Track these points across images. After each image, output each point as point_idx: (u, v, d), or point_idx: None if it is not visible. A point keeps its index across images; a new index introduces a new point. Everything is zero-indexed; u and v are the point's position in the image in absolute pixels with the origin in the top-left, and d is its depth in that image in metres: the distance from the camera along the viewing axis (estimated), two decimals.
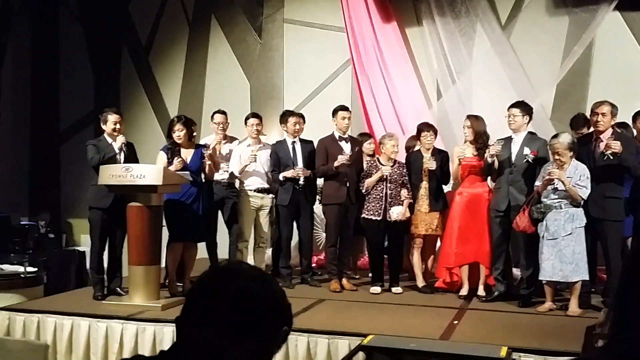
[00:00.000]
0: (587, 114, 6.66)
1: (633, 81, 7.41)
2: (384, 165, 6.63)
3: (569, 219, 5.56)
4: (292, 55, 8.98)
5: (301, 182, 6.76)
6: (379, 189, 6.62)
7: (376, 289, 6.61)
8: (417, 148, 6.86)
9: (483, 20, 8.03)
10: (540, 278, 5.71)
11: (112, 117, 6.38)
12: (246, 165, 6.90)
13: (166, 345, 5.20)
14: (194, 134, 6.82)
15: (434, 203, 6.65)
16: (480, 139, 6.38)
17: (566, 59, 7.77)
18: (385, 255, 6.84)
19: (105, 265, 6.49)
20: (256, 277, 1.43)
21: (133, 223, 5.98)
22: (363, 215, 6.70)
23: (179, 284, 6.46)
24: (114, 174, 5.89)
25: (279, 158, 6.88)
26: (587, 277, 5.59)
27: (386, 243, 6.79)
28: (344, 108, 6.89)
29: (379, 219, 6.60)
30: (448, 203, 6.73)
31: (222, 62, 9.30)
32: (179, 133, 6.41)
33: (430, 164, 6.55)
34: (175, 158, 6.27)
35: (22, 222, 8.87)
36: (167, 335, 5.34)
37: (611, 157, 5.59)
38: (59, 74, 10.06)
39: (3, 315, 5.77)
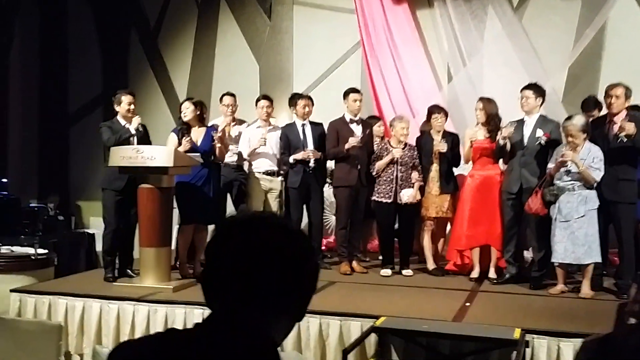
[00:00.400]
0: (599, 97, 6.63)
1: None
2: (394, 147, 6.60)
3: (582, 201, 5.53)
4: (302, 37, 8.92)
5: (311, 164, 6.73)
6: (390, 171, 6.59)
7: (387, 272, 6.61)
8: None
9: (494, 2, 7.94)
10: (552, 260, 5.68)
11: (126, 98, 6.35)
12: (255, 148, 6.89)
13: (178, 327, 5.20)
14: (205, 116, 6.80)
15: (444, 185, 6.63)
16: (492, 122, 6.34)
17: (578, 41, 7.70)
18: (395, 238, 6.82)
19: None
20: (286, 230, 1.35)
21: (144, 205, 5.97)
22: (373, 197, 6.68)
23: (189, 265, 6.46)
24: (124, 156, 5.88)
25: (289, 141, 6.86)
26: (599, 260, 5.57)
27: (396, 226, 6.77)
28: (355, 90, 6.85)
29: (389, 201, 6.58)
30: (459, 186, 6.71)
31: (231, 45, 9.24)
32: (185, 111, 6.39)
33: (441, 146, 6.52)
34: (184, 138, 6.26)
35: (31, 205, 8.87)
36: (178, 317, 5.34)
37: (625, 140, 5.55)
38: (67, 57, 10.02)
39: (14, 297, 5.77)
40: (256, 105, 7.11)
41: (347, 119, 6.77)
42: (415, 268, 6.75)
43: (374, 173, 6.65)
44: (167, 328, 1.35)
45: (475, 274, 6.37)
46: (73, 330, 5.54)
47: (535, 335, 4.57)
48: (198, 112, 6.48)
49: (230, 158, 6.97)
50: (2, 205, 8.42)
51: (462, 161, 6.71)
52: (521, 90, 6.11)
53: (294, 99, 7.09)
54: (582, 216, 5.51)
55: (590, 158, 5.51)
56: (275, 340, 1.31)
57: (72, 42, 10.00)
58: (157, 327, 5.34)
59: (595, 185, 5.53)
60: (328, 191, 7.28)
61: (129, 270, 6.40)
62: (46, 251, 6.78)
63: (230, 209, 7.26)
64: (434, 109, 6.78)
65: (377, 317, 4.88)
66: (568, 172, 5.58)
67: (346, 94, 6.80)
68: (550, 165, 5.72)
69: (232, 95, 7.18)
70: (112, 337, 5.45)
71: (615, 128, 5.65)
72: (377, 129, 7.11)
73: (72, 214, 9.50)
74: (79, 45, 9.93)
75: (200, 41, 9.40)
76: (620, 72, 6.97)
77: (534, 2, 7.95)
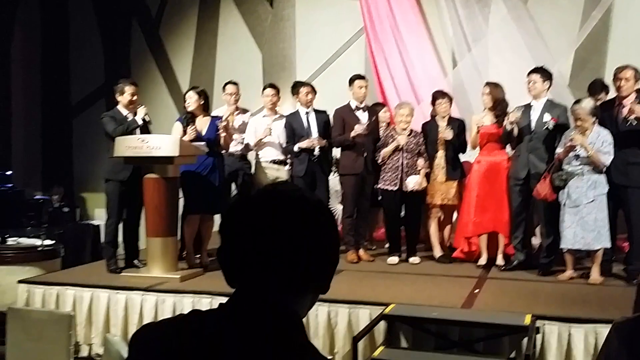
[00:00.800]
0: (606, 80, 6.59)
1: None
2: (399, 134, 6.56)
3: (591, 185, 5.48)
4: (304, 24, 8.86)
5: (316, 152, 6.69)
6: (395, 158, 6.55)
7: (394, 260, 6.58)
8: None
9: None
10: (561, 246, 5.64)
11: (129, 88, 6.30)
12: (261, 138, 6.85)
13: None
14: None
15: (450, 172, 6.58)
16: (499, 107, 6.28)
17: (584, 24, 7.64)
18: (402, 226, 6.79)
19: (121, 238, 6.47)
20: (305, 200, 1.28)
21: (150, 195, 5.94)
22: (379, 185, 6.64)
23: (196, 256, 6.44)
24: (130, 146, 5.84)
25: (293, 129, 6.81)
26: (609, 245, 5.54)
27: (403, 213, 6.74)
28: (360, 77, 6.79)
29: (395, 189, 6.54)
30: (465, 172, 6.67)
31: (234, 33, 9.19)
32: (189, 101, 6.36)
33: (446, 134, 6.47)
34: (189, 127, 6.22)
35: (35, 197, 8.85)
36: (186, 306, 5.32)
37: (634, 123, 5.50)
38: (69, 48, 9.99)
39: (22, 288, 5.77)
40: (262, 94, 7.07)
41: (353, 106, 6.72)
42: (422, 256, 6.72)
43: (379, 160, 6.60)
44: (191, 310, 1.31)
45: (482, 261, 6.34)
46: (81, 320, 5.53)
47: (545, 321, 4.55)
48: (202, 102, 6.44)
49: (234, 147, 6.93)
50: (6, 197, 8.40)
51: (468, 147, 6.66)
52: (528, 74, 6.05)
53: (296, 87, 7.05)
54: (591, 201, 5.46)
55: (599, 142, 5.45)
56: (300, 314, 1.27)
57: (74, 32, 9.96)
58: (165, 317, 5.32)
59: (604, 169, 5.48)
60: (334, 180, 7.24)
61: (135, 261, 6.38)
62: (53, 242, 6.76)
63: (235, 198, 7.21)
64: (438, 95, 6.72)
65: (385, 305, 4.86)
66: (577, 157, 5.53)
67: (351, 81, 6.74)
68: (559, 150, 5.67)
69: (235, 83, 7.13)
70: (121, 327, 5.45)
71: (625, 111, 5.60)
72: (383, 115, 7.07)
73: (76, 205, 9.49)
74: (80, 35, 9.90)
75: (202, 30, 9.35)
76: (627, 54, 6.91)
77: None
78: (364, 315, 4.93)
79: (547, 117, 5.89)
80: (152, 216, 5.94)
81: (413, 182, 6.47)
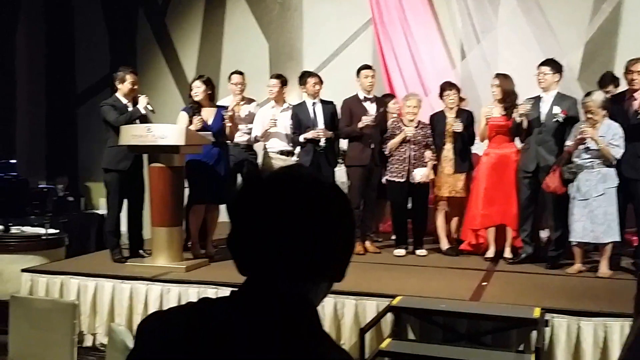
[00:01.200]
0: (616, 73, 6.52)
1: None
2: (406, 126, 6.50)
3: (601, 179, 5.43)
4: (312, 14, 8.79)
5: (322, 143, 6.63)
6: (402, 150, 6.50)
7: (400, 252, 6.54)
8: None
9: None
10: (570, 239, 5.59)
11: (130, 77, 6.25)
12: (267, 129, 6.80)
13: None
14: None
15: (458, 165, 6.53)
16: (508, 98, 6.22)
17: (594, 17, 7.56)
18: (409, 219, 6.74)
19: (125, 228, 6.44)
20: (319, 183, 1.21)
21: (155, 184, 5.90)
22: (386, 177, 6.59)
23: (201, 245, 6.40)
24: (136, 134, 5.79)
25: (300, 120, 6.76)
26: (618, 239, 5.49)
27: (410, 205, 6.69)
28: (367, 67, 6.74)
29: (402, 180, 6.49)
30: (473, 165, 6.61)
31: (240, 23, 9.13)
32: (196, 90, 6.31)
33: (456, 126, 6.40)
34: (195, 117, 6.17)
35: (40, 186, 8.82)
36: (192, 297, 5.28)
37: None
38: (74, 37, 9.93)
39: (26, 276, 5.75)
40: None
41: (361, 97, 6.66)
42: (428, 248, 6.67)
43: (386, 152, 6.55)
44: (201, 298, 1.25)
45: (490, 253, 6.29)
46: (85, 309, 5.51)
47: (554, 315, 4.50)
48: (209, 92, 6.39)
49: (240, 138, 6.88)
50: (11, 186, 8.35)
51: (477, 139, 6.60)
52: (538, 67, 5.99)
53: (303, 77, 6.99)
54: (601, 194, 5.40)
55: (610, 135, 5.40)
56: (313, 303, 1.20)
57: (79, 21, 9.91)
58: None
59: (615, 162, 5.42)
60: (341, 171, 7.18)
61: (141, 251, 6.34)
62: (57, 231, 6.72)
63: None
64: (445, 86, 6.66)
65: (392, 297, 4.83)
66: (587, 150, 5.47)
67: (358, 71, 6.70)
68: (569, 143, 5.60)
69: (241, 73, 7.08)
70: (125, 317, 5.41)
71: (636, 104, 5.53)
72: (392, 106, 7.01)
73: (81, 195, 9.46)
74: (85, 24, 9.84)
75: (209, 19, 9.29)
76: (637, 47, 6.83)
77: None
78: (370, 308, 4.89)
79: (557, 109, 5.83)
80: (158, 206, 5.90)
81: (420, 174, 6.42)
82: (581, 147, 5.48)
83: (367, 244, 6.70)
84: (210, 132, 6.17)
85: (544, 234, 6.43)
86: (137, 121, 6.11)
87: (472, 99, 7.39)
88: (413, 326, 4.71)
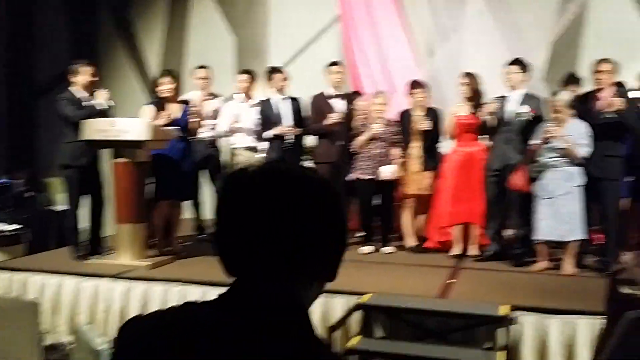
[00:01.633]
0: (578, 73, 6.60)
1: (627, 41, 7.31)
2: (374, 123, 6.49)
3: (567, 177, 5.48)
4: (279, 10, 8.73)
5: (288, 140, 6.58)
6: (370, 147, 6.48)
7: (367, 249, 6.52)
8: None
9: None
10: (535, 237, 5.64)
11: (85, 70, 6.06)
12: (232, 125, 6.72)
13: (155, 305, 5.06)
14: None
15: (425, 162, 6.53)
16: (476, 97, 6.25)
17: (560, 18, 7.65)
18: (375, 216, 6.72)
19: (86, 225, 6.29)
20: (309, 179, 1.16)
21: (119, 180, 5.78)
22: (353, 174, 6.57)
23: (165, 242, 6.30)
24: (99, 129, 5.65)
25: (266, 116, 6.69)
26: (583, 237, 5.54)
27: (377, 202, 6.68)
28: (335, 63, 6.73)
29: (369, 178, 6.47)
30: (440, 163, 6.62)
31: (206, 17, 9.02)
32: (166, 86, 6.18)
33: (424, 124, 6.41)
34: (163, 112, 6.06)
35: (0, 180, 8.57)
36: (156, 294, 5.19)
37: (616, 115, 5.48)
38: (33, 29, 9.67)
39: None
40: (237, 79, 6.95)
41: (329, 94, 6.63)
42: (394, 245, 6.66)
43: (353, 150, 6.53)
44: (184, 302, 1.18)
45: (456, 251, 6.31)
46: (47, 307, 5.36)
47: (521, 312, 4.52)
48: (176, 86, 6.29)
49: (205, 133, 6.78)
50: None
51: (445, 137, 6.61)
52: (507, 66, 6.02)
53: (271, 73, 6.93)
54: (566, 193, 5.45)
55: (576, 134, 5.45)
56: (305, 306, 1.16)
57: (39, 12, 9.65)
58: (135, 305, 5.19)
59: (582, 161, 5.47)
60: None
61: (99, 248, 6.20)
62: (18, 227, 6.54)
63: (206, 185, 7.09)
64: (413, 84, 6.67)
65: (360, 294, 4.80)
66: (552, 148, 5.52)
67: (326, 67, 6.66)
68: (534, 142, 5.65)
69: (206, 67, 6.98)
70: (87, 315, 5.29)
71: (600, 104, 5.60)
72: (361, 104, 6.97)
73: (41, 190, 9.22)
74: (45, 17, 9.59)
75: (174, 12, 9.14)
76: (601, 49, 6.93)
77: None
78: (338, 305, 4.85)
79: (525, 108, 5.87)
80: (122, 202, 5.78)
81: (386, 172, 6.41)
82: (547, 145, 5.52)
83: None
84: (178, 127, 6.07)
85: (509, 232, 6.47)
86: (97, 116, 5.96)
87: (438, 97, 7.41)
88: (382, 324, 4.69)
